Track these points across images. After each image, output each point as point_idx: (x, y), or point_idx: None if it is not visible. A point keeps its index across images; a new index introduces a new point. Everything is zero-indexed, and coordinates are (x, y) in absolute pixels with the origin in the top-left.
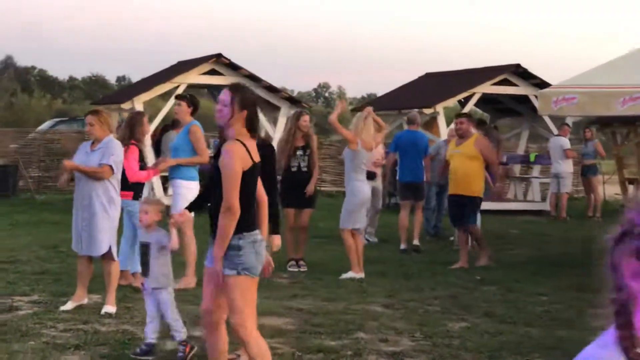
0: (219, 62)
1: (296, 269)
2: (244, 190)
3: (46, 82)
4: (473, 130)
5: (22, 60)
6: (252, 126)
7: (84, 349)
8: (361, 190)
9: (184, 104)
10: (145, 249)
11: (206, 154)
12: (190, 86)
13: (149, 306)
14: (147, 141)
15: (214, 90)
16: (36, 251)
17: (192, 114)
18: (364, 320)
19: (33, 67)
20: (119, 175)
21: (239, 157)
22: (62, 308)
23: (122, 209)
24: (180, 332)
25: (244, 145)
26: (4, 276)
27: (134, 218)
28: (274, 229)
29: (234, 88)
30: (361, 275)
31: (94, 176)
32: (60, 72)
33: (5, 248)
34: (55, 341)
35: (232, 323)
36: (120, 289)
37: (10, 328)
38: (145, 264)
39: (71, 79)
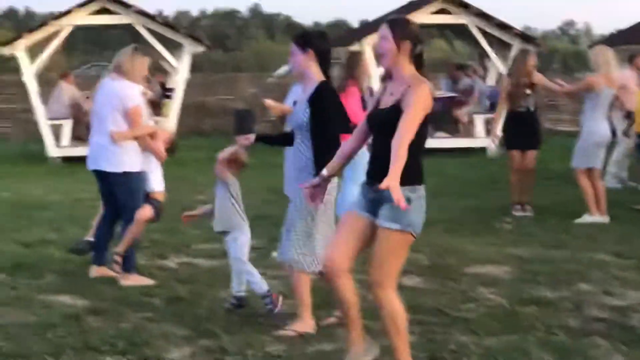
0: (449, 0)
1: (521, 214)
2: (419, 138)
3: (291, 28)
4: None
5: (268, 7)
6: (420, 63)
7: (290, 297)
8: (598, 130)
9: None
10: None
11: None
12: (421, 26)
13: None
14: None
15: (445, 30)
16: (262, 194)
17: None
18: (589, 269)
19: (278, 14)
20: None
21: (425, 99)
22: (274, 254)
23: None
24: (257, 283)
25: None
26: None
27: (355, 164)
28: None
29: (392, 22)
30: (601, 219)
31: None
32: (305, 17)
33: None
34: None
35: (369, 278)
36: None
37: (219, 273)
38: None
39: (316, 24)
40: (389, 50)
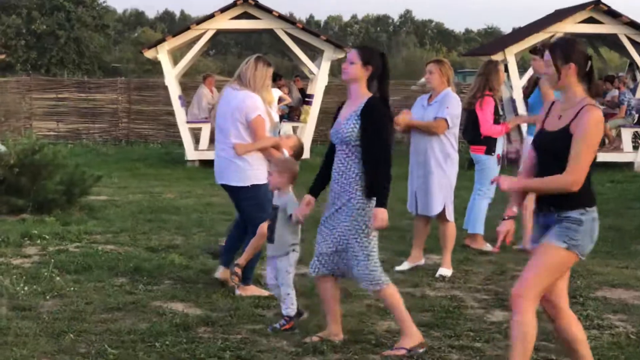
0: (597, 9)
1: None
2: (593, 161)
3: (442, 35)
4: None
5: (419, 14)
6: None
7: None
8: None
9: (538, 58)
10: (274, 212)
11: None
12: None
13: (268, 274)
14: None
15: (594, 39)
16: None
17: None
18: None
19: (430, 21)
20: (455, 130)
21: (598, 126)
22: (397, 268)
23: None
24: (289, 307)
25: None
26: None
27: (483, 174)
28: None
29: (553, 46)
30: None
31: (428, 131)
32: (456, 24)
33: None
34: (378, 304)
35: (513, 289)
36: (462, 251)
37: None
38: (270, 228)
39: (467, 31)
40: (550, 74)
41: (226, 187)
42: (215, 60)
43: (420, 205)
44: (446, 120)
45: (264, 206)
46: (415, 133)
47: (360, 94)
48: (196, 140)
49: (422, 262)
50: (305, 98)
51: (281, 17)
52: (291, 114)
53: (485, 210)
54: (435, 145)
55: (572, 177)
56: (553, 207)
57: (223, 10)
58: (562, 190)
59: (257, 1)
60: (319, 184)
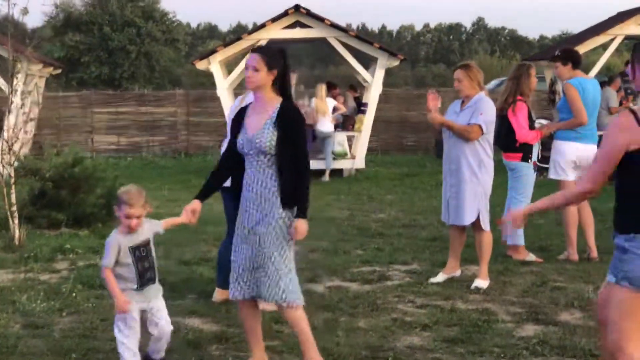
0: None
1: None
2: (636, 176)
3: (516, 42)
4: None
5: (492, 21)
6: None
7: (431, 329)
8: None
9: (558, 64)
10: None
11: (582, 114)
12: (628, 38)
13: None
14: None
15: None
16: (437, 214)
17: (574, 69)
18: None
19: (503, 28)
20: (490, 137)
21: (619, 129)
22: (432, 280)
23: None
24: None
25: (635, 114)
26: (396, 241)
27: (520, 182)
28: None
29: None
30: None
31: (461, 136)
32: (530, 31)
33: (412, 211)
34: (405, 318)
35: (609, 340)
36: (503, 262)
37: (365, 301)
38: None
39: (541, 37)
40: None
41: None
42: (298, 71)
43: (452, 214)
44: (480, 126)
45: None
46: (448, 139)
47: (268, 100)
48: None
49: (457, 273)
50: (361, 107)
51: (333, 26)
52: (345, 123)
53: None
54: (468, 152)
55: (584, 185)
56: (614, 227)
57: (275, 19)
58: (578, 198)
59: (309, 10)
60: (211, 189)
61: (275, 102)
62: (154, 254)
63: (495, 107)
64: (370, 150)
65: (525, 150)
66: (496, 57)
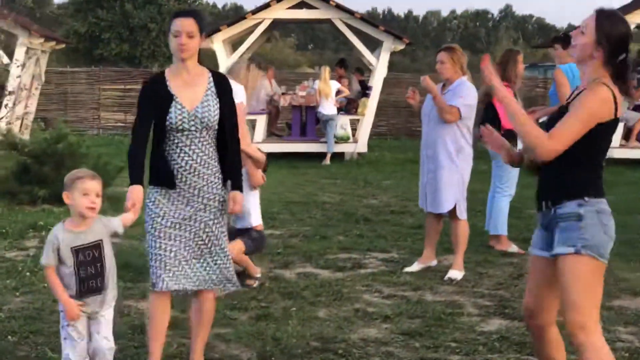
0: None
1: None
2: (596, 146)
3: (543, 30)
4: None
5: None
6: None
7: (391, 321)
8: None
9: (558, 46)
10: None
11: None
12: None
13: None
14: None
15: None
16: None
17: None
18: None
19: (530, 16)
20: (469, 123)
21: (600, 100)
22: (407, 269)
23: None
24: None
25: (612, 91)
26: (380, 228)
27: (504, 171)
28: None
29: (599, 13)
30: None
31: (440, 113)
32: (558, 19)
33: (405, 197)
34: (367, 309)
35: (566, 322)
36: (483, 252)
37: (330, 290)
38: None
39: (570, 26)
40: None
41: None
42: (313, 54)
43: (430, 201)
44: (459, 109)
45: None
46: (426, 123)
47: (198, 70)
48: (252, 132)
49: (434, 262)
50: (366, 90)
51: (339, 7)
52: (349, 106)
53: (506, 209)
54: (446, 137)
55: (550, 141)
56: (550, 200)
57: None
58: (532, 147)
59: None
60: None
61: (203, 71)
62: (108, 259)
63: (478, 93)
64: (379, 134)
65: (510, 138)
66: (520, 45)
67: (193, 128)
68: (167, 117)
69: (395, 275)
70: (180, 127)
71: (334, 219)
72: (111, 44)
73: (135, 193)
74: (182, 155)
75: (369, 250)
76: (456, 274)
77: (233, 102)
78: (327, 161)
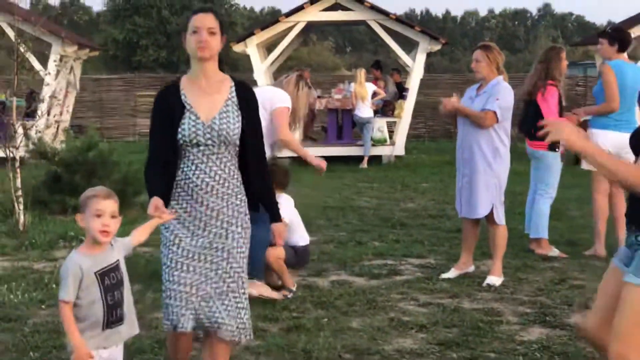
0: None
1: None
2: None
3: (583, 28)
4: None
5: (559, 7)
6: None
7: (427, 330)
8: None
9: (604, 41)
10: None
11: (614, 100)
12: None
13: None
14: None
15: None
16: None
17: (619, 51)
18: None
19: (570, 14)
20: (507, 125)
21: None
22: (443, 275)
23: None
24: None
25: None
26: (417, 232)
27: (545, 172)
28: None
29: None
30: None
31: (475, 123)
32: (598, 16)
33: (443, 201)
34: (402, 318)
35: (611, 349)
36: (524, 257)
37: (364, 299)
38: None
39: (609, 23)
40: None
41: None
42: (352, 56)
43: (465, 206)
44: (495, 112)
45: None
46: (462, 126)
47: (219, 76)
48: None
49: (471, 269)
50: (403, 92)
51: (373, 8)
52: (385, 108)
53: (548, 212)
54: (482, 140)
55: None
56: (634, 225)
57: (313, 1)
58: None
59: None
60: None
61: (224, 78)
62: (126, 282)
63: (518, 92)
64: (417, 136)
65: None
66: (560, 44)
67: (210, 142)
68: (180, 131)
69: (432, 282)
70: (195, 141)
71: (370, 224)
72: (149, 50)
73: (155, 200)
74: (197, 172)
75: (405, 256)
76: (495, 280)
77: (258, 117)
78: (364, 164)
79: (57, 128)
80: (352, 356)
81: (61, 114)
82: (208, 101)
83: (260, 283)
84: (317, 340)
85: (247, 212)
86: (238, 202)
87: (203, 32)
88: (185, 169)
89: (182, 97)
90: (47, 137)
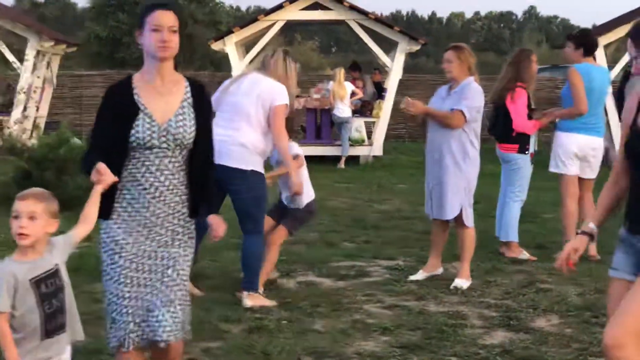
0: None
1: None
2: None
3: (569, 31)
4: None
5: (544, 10)
6: None
7: (391, 333)
8: None
9: (571, 45)
10: None
11: (582, 103)
12: None
13: None
14: None
15: None
16: None
17: (585, 55)
18: None
19: (555, 17)
20: (476, 127)
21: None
22: (411, 277)
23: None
24: None
25: None
26: (389, 234)
27: (515, 175)
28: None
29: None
30: None
31: (443, 123)
32: (583, 20)
33: (417, 202)
34: (366, 320)
35: (606, 335)
36: (492, 259)
37: (330, 300)
38: None
39: (594, 27)
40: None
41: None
42: (337, 56)
43: (435, 207)
44: (463, 112)
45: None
46: (431, 127)
47: (174, 77)
48: None
49: (439, 271)
50: (382, 92)
51: (353, 8)
52: (363, 108)
53: (518, 215)
54: (452, 141)
55: None
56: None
57: (292, 0)
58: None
59: None
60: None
61: (180, 79)
62: (67, 287)
63: (489, 94)
64: (397, 137)
65: (522, 141)
66: (544, 47)
67: (164, 145)
68: (133, 132)
69: (399, 284)
70: (149, 144)
71: (342, 225)
72: (132, 47)
73: (99, 165)
74: (147, 175)
75: (375, 258)
76: (462, 282)
77: (210, 119)
78: (342, 164)
79: (33, 124)
80: (311, 358)
81: (38, 109)
82: (163, 102)
83: (257, 295)
84: (278, 341)
85: (190, 218)
86: (184, 211)
87: (165, 31)
88: (133, 170)
89: (135, 96)
90: (22, 133)
